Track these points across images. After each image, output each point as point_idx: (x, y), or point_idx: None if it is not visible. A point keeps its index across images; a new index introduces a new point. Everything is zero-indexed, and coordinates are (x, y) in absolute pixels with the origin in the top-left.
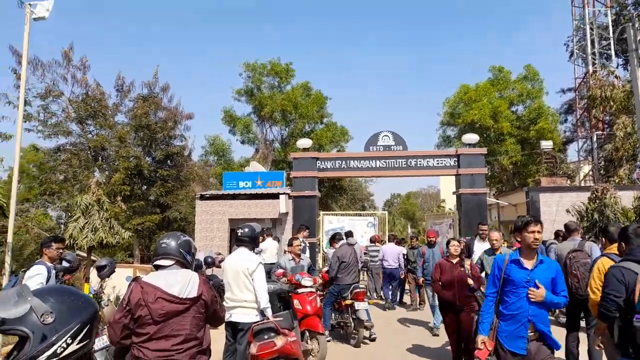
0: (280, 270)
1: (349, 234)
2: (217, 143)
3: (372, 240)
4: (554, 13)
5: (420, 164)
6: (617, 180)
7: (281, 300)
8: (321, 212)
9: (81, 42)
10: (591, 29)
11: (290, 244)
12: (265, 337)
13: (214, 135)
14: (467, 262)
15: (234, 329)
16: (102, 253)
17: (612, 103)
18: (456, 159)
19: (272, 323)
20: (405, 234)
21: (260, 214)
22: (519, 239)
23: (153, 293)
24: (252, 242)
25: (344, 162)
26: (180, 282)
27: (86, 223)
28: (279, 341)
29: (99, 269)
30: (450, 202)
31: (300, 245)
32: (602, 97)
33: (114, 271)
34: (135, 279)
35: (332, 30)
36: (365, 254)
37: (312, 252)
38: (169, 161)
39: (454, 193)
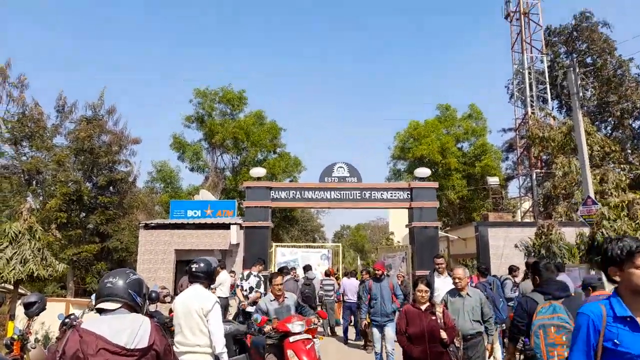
0: (263, 317)
1: (308, 268)
2: (165, 169)
3: (327, 274)
4: (498, 57)
5: (374, 196)
6: (556, 217)
7: (237, 342)
8: (274, 244)
9: (20, 59)
10: (529, 73)
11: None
12: None
13: (161, 161)
14: (438, 309)
15: None
16: (32, 287)
17: (552, 143)
18: (409, 192)
19: None
20: (355, 266)
21: (210, 244)
22: (616, 278)
23: (94, 343)
24: (208, 278)
25: (298, 193)
26: (128, 330)
27: (15, 253)
28: None
29: (27, 305)
30: (398, 235)
31: (282, 284)
32: (540, 137)
33: (45, 308)
34: (69, 318)
35: (289, 62)
36: (320, 287)
37: (265, 287)
38: (111, 187)
39: (407, 226)
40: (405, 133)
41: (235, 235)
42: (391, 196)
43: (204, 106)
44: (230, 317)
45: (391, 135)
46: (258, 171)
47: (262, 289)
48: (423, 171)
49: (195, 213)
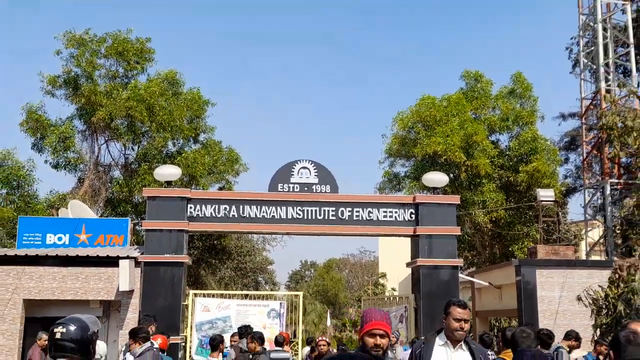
0: None
1: (245, 331)
2: (10, 164)
3: (278, 342)
4: (553, 6)
5: (357, 215)
6: None
7: None
8: (191, 292)
9: None
10: (604, 29)
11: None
12: None
13: (3, 151)
14: None
15: None
16: None
17: (634, 136)
18: (413, 211)
19: None
20: (322, 328)
21: (84, 292)
22: None
23: None
24: (83, 350)
25: (234, 208)
26: None
27: None
28: None
29: None
30: (393, 278)
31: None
32: (621, 128)
33: None
34: None
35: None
36: None
37: None
38: None
39: (408, 265)
40: (412, 115)
41: (126, 277)
42: (385, 216)
43: (80, 62)
44: None
45: (387, 120)
46: (168, 171)
47: None
48: (437, 177)
49: (60, 239)
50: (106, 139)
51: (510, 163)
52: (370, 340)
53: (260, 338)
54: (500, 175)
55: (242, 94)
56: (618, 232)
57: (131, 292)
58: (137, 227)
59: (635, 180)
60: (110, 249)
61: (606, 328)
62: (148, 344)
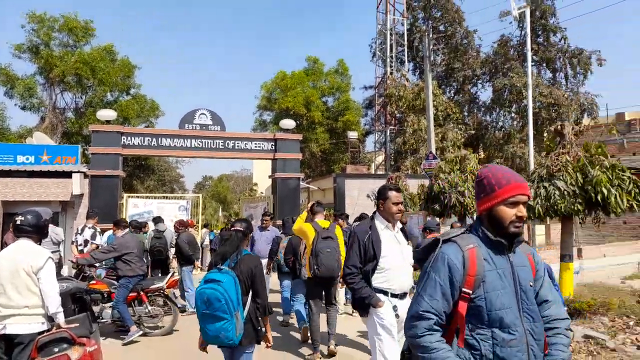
0: None
1: (158, 220)
2: None
3: (183, 224)
4: (365, 17)
5: (238, 146)
6: (404, 170)
7: (77, 301)
8: (125, 195)
9: None
10: (391, 34)
11: None
12: (56, 349)
13: None
14: None
15: (9, 343)
16: None
17: (404, 102)
18: (273, 144)
19: (64, 332)
20: (216, 217)
21: (46, 195)
22: None
23: None
24: (38, 232)
25: (154, 139)
26: None
27: None
28: (75, 353)
29: None
30: (262, 186)
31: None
32: (396, 96)
33: None
34: None
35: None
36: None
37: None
38: None
39: (270, 177)
40: (272, 83)
41: (78, 185)
42: (255, 147)
43: (40, 34)
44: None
45: (259, 84)
46: (107, 113)
47: (98, 241)
48: (288, 123)
49: (27, 159)
50: (61, 90)
51: (333, 115)
52: (509, 212)
53: (135, 226)
54: (327, 123)
55: (164, 60)
56: (392, 157)
57: (81, 195)
58: (86, 152)
59: (402, 128)
60: (66, 166)
61: None
62: (126, 230)
